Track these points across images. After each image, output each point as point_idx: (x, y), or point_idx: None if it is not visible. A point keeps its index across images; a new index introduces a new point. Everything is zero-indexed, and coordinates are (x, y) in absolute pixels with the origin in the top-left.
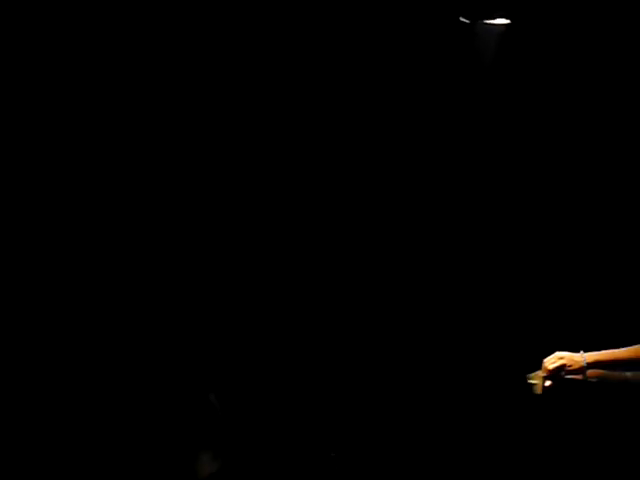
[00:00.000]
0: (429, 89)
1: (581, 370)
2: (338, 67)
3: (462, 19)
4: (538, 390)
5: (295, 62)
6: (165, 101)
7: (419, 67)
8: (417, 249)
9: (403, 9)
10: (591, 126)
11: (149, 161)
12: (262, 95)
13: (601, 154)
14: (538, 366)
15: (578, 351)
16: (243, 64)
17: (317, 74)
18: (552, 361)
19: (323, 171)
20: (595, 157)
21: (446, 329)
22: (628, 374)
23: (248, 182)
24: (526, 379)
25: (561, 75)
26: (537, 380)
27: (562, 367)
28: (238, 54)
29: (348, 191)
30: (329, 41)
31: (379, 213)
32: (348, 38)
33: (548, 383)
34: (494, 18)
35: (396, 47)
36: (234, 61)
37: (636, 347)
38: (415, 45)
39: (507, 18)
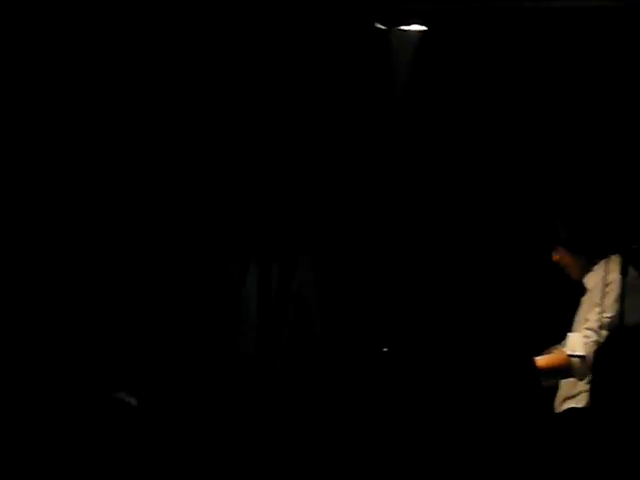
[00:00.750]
0: (345, 94)
1: None
2: (252, 72)
3: (378, 25)
4: None
5: (205, 69)
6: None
7: (335, 73)
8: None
9: (319, 14)
10: (506, 129)
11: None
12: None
13: (514, 157)
14: None
15: None
16: None
17: (232, 81)
18: None
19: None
20: (508, 160)
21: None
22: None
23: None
24: None
25: (476, 81)
26: None
27: None
28: None
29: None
30: (244, 46)
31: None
32: (265, 43)
33: None
34: (409, 24)
35: (312, 52)
36: None
37: (552, 356)
38: (331, 51)
39: (422, 25)
